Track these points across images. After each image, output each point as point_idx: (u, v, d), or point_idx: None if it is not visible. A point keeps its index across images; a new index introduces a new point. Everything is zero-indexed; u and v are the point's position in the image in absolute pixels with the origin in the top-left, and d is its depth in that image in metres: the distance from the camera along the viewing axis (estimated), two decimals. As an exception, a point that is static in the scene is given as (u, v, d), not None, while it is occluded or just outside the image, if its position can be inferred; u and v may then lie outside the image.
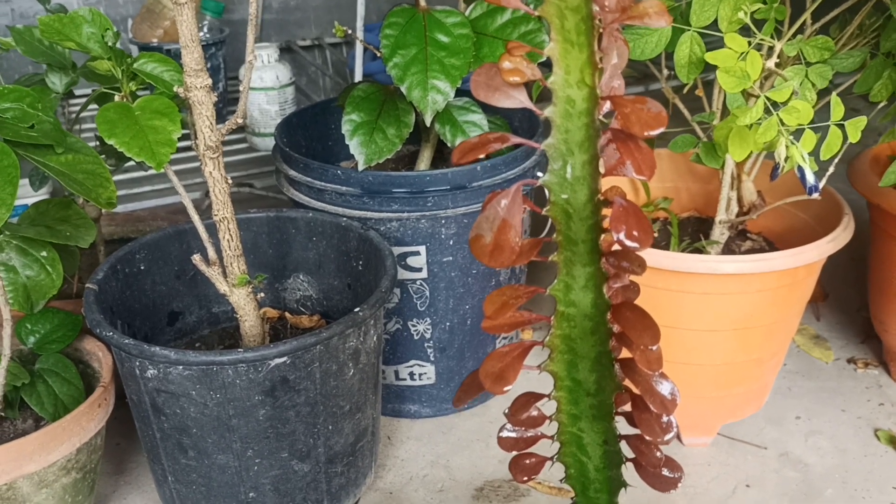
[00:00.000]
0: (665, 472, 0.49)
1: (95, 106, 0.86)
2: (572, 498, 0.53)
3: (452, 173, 0.89)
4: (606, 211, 0.45)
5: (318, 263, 0.93)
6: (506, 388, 0.46)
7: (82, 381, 0.80)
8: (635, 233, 0.41)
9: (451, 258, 0.93)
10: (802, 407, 1.03)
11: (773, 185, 0.95)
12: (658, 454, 0.48)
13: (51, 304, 0.79)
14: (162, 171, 0.70)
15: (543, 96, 0.62)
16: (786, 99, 0.71)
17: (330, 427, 0.77)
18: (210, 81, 0.70)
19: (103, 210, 0.97)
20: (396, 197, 0.89)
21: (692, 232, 1.02)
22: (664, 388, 0.45)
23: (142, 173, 1.27)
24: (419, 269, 0.93)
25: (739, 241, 0.99)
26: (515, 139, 0.44)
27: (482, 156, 0.45)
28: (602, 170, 0.44)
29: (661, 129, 0.40)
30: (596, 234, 0.45)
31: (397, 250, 0.91)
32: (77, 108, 1.36)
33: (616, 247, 0.44)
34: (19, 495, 0.73)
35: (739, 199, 0.93)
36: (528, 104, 0.44)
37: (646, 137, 0.41)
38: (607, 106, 0.45)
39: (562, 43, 0.42)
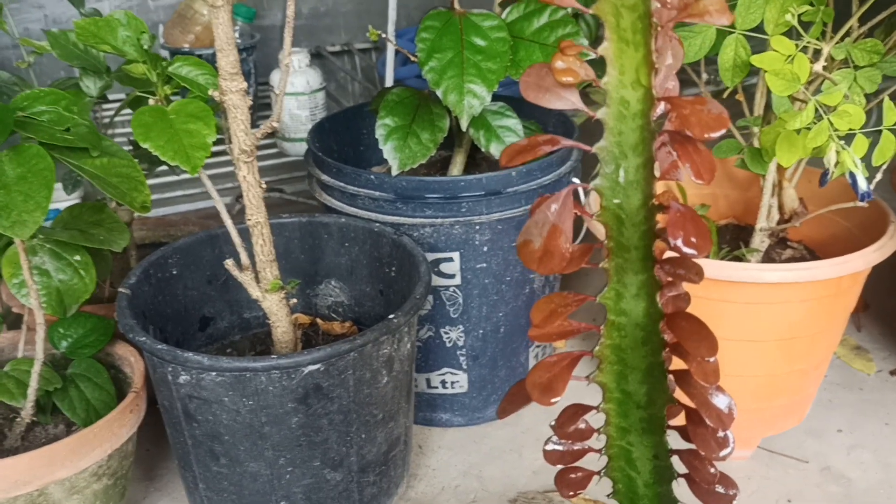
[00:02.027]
0: (719, 488, 0.47)
1: (128, 110, 0.85)
2: (619, 514, 0.51)
3: (487, 179, 0.87)
4: (660, 216, 0.44)
5: (350, 269, 0.92)
6: (554, 400, 0.44)
7: (114, 386, 0.80)
8: (693, 239, 0.40)
9: (484, 265, 0.91)
10: (844, 419, 1.00)
11: (814, 193, 0.92)
12: (712, 470, 0.46)
13: (83, 309, 0.78)
14: (196, 175, 0.69)
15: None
16: (836, 103, 0.68)
17: (363, 435, 0.76)
18: (245, 85, 0.69)
19: (135, 214, 0.97)
20: (430, 202, 0.87)
21: (730, 240, 1.00)
22: (721, 402, 0.43)
23: (173, 178, 1.27)
24: (452, 276, 0.91)
25: (779, 249, 0.96)
26: (567, 142, 0.43)
27: (531, 158, 0.43)
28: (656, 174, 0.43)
29: (723, 131, 0.39)
30: (649, 240, 0.43)
31: (430, 256, 0.89)
32: (109, 113, 1.37)
33: (670, 253, 0.43)
34: (50, 501, 0.72)
35: (780, 207, 0.91)
36: (580, 105, 0.42)
37: (705, 140, 0.39)
38: (658, 109, 0.43)
39: (616, 42, 0.41)
